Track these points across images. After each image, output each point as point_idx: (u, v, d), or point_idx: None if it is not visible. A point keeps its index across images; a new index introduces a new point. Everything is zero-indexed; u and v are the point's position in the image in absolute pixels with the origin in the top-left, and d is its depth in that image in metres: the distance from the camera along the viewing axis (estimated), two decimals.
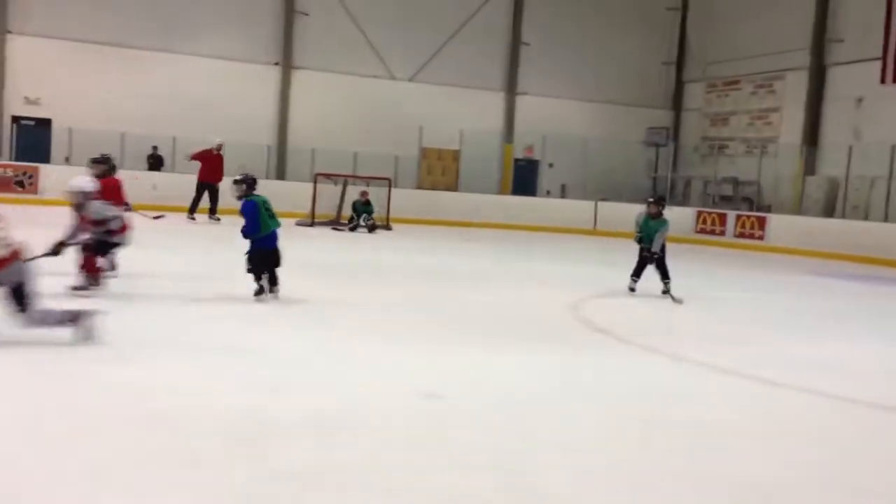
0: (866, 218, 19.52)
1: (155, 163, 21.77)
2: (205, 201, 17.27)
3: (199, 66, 22.70)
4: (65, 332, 5.51)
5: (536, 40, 25.88)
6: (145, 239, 9.04)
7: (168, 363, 5.39)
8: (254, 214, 7.88)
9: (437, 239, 17.54)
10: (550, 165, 25.75)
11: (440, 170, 24.56)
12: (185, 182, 18.10)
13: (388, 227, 18.74)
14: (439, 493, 3.52)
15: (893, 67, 20.06)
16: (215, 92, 22.60)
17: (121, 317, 6.40)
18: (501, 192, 25.16)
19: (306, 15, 23.66)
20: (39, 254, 6.03)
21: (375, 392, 5.05)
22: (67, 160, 20.06)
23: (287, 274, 8.16)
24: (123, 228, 7.74)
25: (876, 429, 5.04)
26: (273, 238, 7.99)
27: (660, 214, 10.21)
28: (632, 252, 10.40)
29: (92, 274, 7.64)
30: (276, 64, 23.67)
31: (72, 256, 7.36)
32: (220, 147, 17.67)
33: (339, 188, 19.28)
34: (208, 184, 17.30)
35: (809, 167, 22.29)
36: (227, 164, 17.52)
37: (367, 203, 18.44)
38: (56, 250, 6.62)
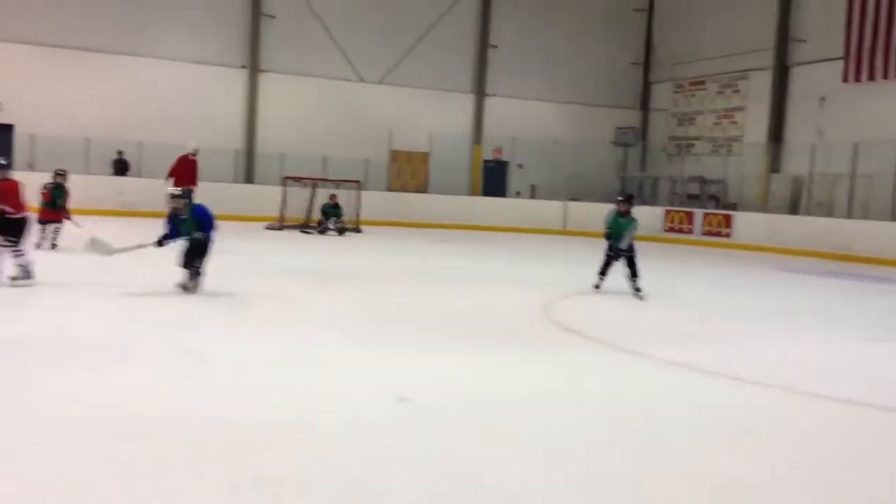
0: (830, 215, 19.83)
1: (120, 168, 21.49)
2: None
3: (165, 70, 22.46)
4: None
5: (505, 42, 25.97)
6: (112, 244, 8.91)
7: (131, 370, 5.32)
8: (210, 213, 8.59)
9: (406, 241, 17.52)
10: (520, 166, 25.85)
11: (410, 172, 24.54)
12: (151, 187, 17.91)
13: (357, 230, 18.69)
14: (411, 495, 3.50)
15: (855, 66, 20.41)
16: (181, 95, 22.39)
17: (82, 322, 6.31)
18: (471, 193, 25.22)
19: (273, 17, 23.52)
20: None
21: (345, 396, 5.02)
22: (31, 166, 19.73)
23: (256, 278, 8.11)
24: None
25: (846, 425, 5.09)
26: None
27: (629, 213, 10.30)
28: (602, 251, 10.46)
29: None
30: (243, 67, 23.50)
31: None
32: (195, 152, 17.62)
33: (309, 192, 19.20)
34: (185, 190, 17.13)
35: (774, 165, 22.60)
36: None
37: (336, 206, 18.39)
38: None
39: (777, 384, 5.88)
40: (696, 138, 25.72)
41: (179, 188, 8.66)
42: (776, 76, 22.82)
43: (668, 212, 22.84)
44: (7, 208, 8.03)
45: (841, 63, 20.72)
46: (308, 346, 6.46)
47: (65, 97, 21.25)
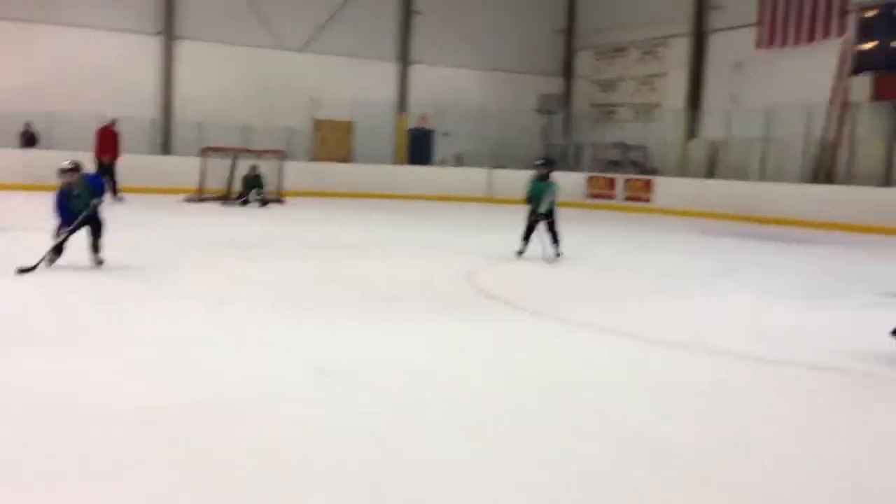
0: (744, 178, 20.43)
1: (28, 140, 20.59)
2: None
3: (75, 37, 21.54)
4: None
5: (428, 9, 25.73)
6: (26, 222, 8.54)
7: (45, 353, 5.13)
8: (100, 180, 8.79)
9: (331, 211, 17.34)
10: (445, 135, 25.78)
11: (334, 141, 24.20)
12: (61, 160, 17.20)
13: (280, 201, 18.39)
14: (336, 469, 3.48)
15: (769, 33, 20.94)
16: (93, 64, 21.54)
17: None
18: (397, 162, 25.05)
19: None
20: None
21: (270, 369, 4.94)
22: None
23: (174, 251, 7.90)
24: None
25: (767, 382, 5.25)
26: None
27: (548, 177, 10.36)
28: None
29: None
30: (158, 34, 22.70)
31: None
32: (114, 122, 17.18)
33: (229, 162, 18.76)
34: (105, 161, 16.68)
35: (692, 131, 23.11)
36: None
37: (257, 177, 18.03)
38: None
39: (694, 344, 6.04)
40: (619, 105, 26.08)
41: (70, 161, 8.22)
42: (694, 43, 23.26)
43: (590, 178, 23.16)
44: None
45: (755, 29, 21.23)
46: (230, 319, 6.33)
47: None
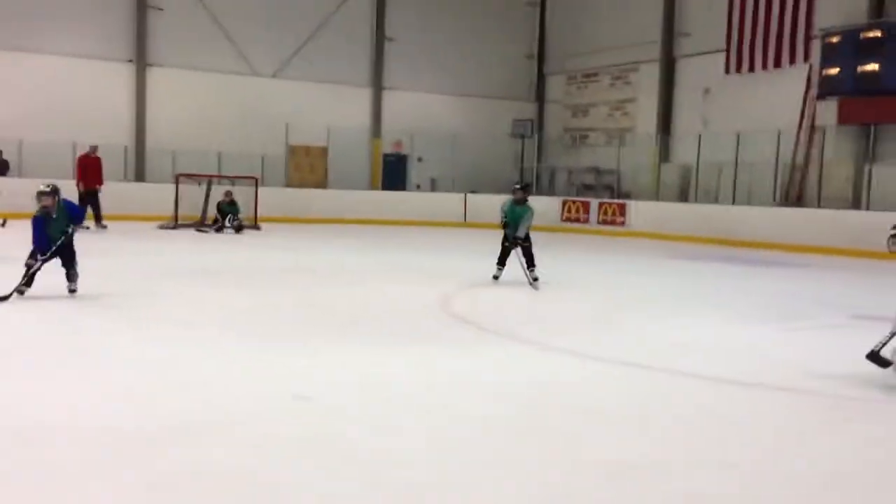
0: (715, 201, 20.69)
1: None
2: None
3: (47, 65, 21.36)
4: None
5: (401, 35, 25.89)
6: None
7: (17, 377, 5.05)
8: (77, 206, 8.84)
9: (306, 237, 17.31)
10: (419, 160, 25.88)
11: (308, 167, 24.19)
12: (33, 188, 17.04)
13: (256, 227, 18.33)
14: (312, 494, 3.46)
15: (736, 58, 21.33)
16: (64, 92, 21.38)
17: None
18: (371, 187, 25.10)
19: (160, 10, 22.70)
20: None
21: (244, 395, 4.91)
22: None
23: (149, 278, 7.85)
24: None
25: (740, 405, 5.29)
26: None
27: (525, 201, 10.43)
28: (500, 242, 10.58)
29: None
30: (130, 61, 22.63)
31: None
32: (94, 149, 17.15)
33: (203, 189, 18.68)
34: (90, 190, 16.71)
35: (664, 155, 23.40)
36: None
37: (232, 203, 17.97)
38: None
39: (667, 367, 6.08)
40: (591, 129, 26.35)
41: (48, 185, 8.14)
42: (664, 68, 23.61)
43: (565, 202, 23.34)
44: None
45: (723, 55, 21.62)
46: (206, 344, 6.28)
47: None
